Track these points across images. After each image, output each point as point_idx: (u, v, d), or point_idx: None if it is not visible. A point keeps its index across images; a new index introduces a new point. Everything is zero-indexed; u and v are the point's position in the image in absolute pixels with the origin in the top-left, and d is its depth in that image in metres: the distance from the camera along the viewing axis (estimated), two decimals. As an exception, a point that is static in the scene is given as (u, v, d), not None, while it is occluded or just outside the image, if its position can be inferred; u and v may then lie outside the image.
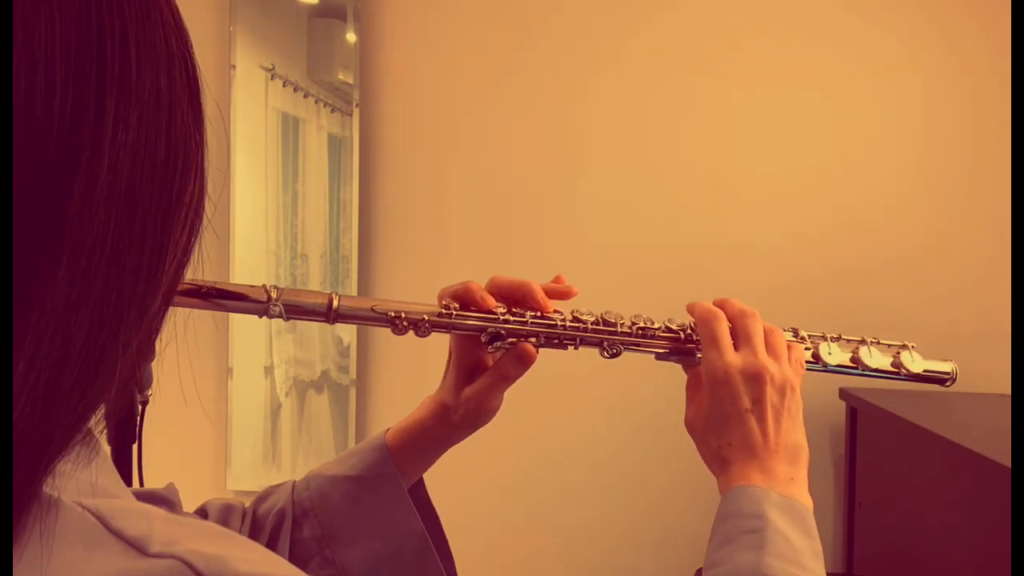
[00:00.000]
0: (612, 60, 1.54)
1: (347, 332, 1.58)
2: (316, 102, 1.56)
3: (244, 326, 1.55)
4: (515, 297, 0.63)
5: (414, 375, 1.56)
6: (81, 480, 0.33)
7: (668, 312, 0.67)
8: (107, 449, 0.35)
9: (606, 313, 0.63)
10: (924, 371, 0.67)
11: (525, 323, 0.61)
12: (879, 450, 1.32)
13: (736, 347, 0.61)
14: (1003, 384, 1.42)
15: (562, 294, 0.64)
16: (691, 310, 0.64)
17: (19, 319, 0.28)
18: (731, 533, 0.55)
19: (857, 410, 1.38)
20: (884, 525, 1.29)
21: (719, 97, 1.53)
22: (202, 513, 0.65)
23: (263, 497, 0.68)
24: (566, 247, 1.55)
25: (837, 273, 1.50)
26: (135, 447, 0.69)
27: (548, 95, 1.56)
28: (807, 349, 0.66)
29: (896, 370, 0.67)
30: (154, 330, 0.36)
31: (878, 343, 0.67)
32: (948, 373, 0.68)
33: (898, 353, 0.67)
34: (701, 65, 1.53)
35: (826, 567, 0.57)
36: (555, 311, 0.62)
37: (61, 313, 0.29)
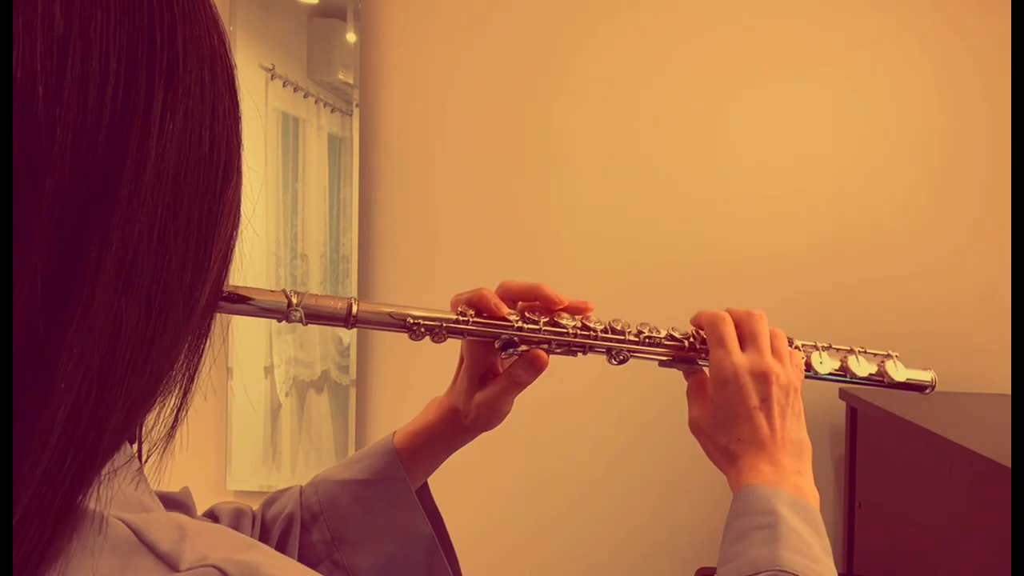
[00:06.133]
0: (616, 60, 1.54)
1: (347, 332, 1.58)
2: (316, 102, 1.56)
3: (244, 326, 1.55)
4: (526, 300, 0.64)
5: (414, 375, 1.56)
6: (119, 493, 0.33)
7: (667, 314, 0.68)
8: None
9: (614, 321, 0.65)
10: (907, 379, 0.72)
11: (538, 330, 0.62)
12: (879, 450, 1.32)
13: (743, 347, 0.64)
14: (1003, 384, 1.42)
15: (579, 309, 0.65)
16: (697, 317, 0.67)
17: (70, 299, 0.29)
18: (744, 530, 0.57)
19: (857, 410, 1.38)
20: (884, 525, 1.29)
21: (722, 97, 1.53)
22: (212, 517, 0.65)
23: (270, 502, 0.68)
24: (566, 247, 1.55)
25: (838, 278, 1.50)
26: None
27: (549, 95, 1.55)
28: (802, 358, 0.69)
29: (880, 378, 0.71)
30: (203, 332, 0.37)
31: (865, 352, 0.72)
32: (928, 381, 0.73)
33: (883, 362, 0.72)
34: (703, 65, 1.53)
35: (827, 567, 0.58)
36: (565, 318, 0.64)
37: (111, 297, 0.30)
